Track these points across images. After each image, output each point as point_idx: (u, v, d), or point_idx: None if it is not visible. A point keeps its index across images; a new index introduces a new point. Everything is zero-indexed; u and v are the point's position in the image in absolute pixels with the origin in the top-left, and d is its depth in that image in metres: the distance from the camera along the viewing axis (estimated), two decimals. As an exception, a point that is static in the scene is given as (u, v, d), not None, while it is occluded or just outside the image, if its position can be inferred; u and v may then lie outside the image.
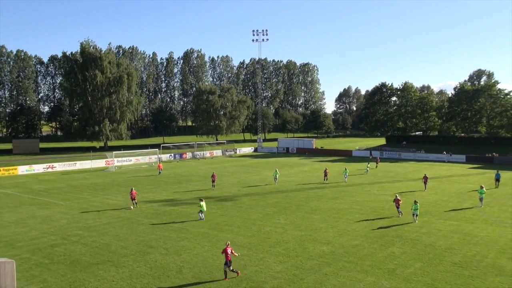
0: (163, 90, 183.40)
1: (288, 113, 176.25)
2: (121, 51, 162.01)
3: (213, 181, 46.05)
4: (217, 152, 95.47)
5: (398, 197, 33.16)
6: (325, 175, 52.03)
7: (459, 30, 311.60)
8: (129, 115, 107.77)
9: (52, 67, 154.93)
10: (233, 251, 20.44)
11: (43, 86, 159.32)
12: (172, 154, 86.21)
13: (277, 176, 50.22)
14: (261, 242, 26.46)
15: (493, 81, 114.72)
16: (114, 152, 73.38)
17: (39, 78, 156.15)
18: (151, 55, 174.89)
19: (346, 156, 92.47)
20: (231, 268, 19.97)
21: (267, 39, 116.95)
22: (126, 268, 21.95)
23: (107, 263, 22.75)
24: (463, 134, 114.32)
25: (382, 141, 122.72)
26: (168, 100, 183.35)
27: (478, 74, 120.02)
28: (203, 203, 31.41)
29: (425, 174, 47.34)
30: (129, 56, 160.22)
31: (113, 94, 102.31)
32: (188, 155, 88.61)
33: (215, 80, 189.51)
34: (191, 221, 32.22)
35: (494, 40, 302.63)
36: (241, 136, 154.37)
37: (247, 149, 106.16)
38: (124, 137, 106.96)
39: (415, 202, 30.90)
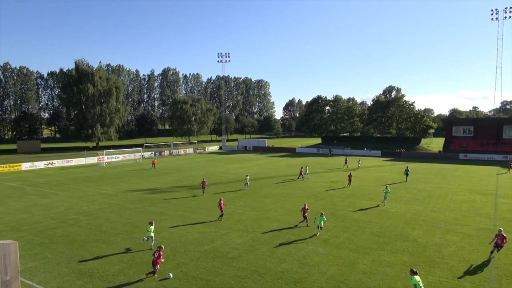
0: (145, 100, 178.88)
1: (246, 119, 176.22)
2: (110, 68, 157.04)
3: (203, 187, 36.29)
4: (190, 150, 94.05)
5: (306, 206, 25.61)
6: (300, 173, 47.03)
7: (376, 54, 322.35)
8: (117, 120, 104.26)
9: (51, 81, 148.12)
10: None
11: (43, 97, 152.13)
12: (153, 152, 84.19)
13: (247, 181, 40.24)
14: (225, 220, 26.33)
15: (400, 94, 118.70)
16: (104, 150, 70.90)
17: (40, 89, 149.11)
18: (135, 72, 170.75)
19: (291, 152, 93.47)
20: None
21: (229, 60, 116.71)
22: (115, 244, 21.28)
23: (99, 241, 21.97)
24: (379, 135, 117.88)
25: (319, 140, 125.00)
26: (150, 108, 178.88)
27: (390, 89, 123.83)
28: (152, 227, 20.50)
29: (350, 173, 43.09)
30: (117, 72, 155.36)
31: (104, 103, 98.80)
32: (166, 152, 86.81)
33: (187, 92, 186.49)
34: (169, 205, 31.66)
35: (401, 63, 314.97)
36: (209, 137, 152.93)
37: (214, 148, 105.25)
38: (113, 138, 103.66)
39: (321, 214, 23.14)
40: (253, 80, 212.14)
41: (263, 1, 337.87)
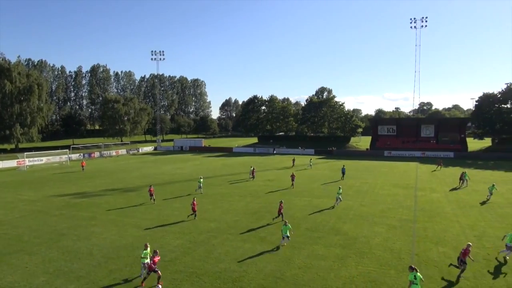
0: (72, 98, 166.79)
1: (182, 119, 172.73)
2: (30, 64, 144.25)
3: (151, 195, 32.29)
4: (122, 151, 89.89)
5: (282, 204, 26.15)
6: (251, 173, 46.33)
7: (309, 56, 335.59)
8: (40, 120, 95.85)
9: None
10: None
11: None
12: (82, 154, 79.05)
13: (201, 184, 37.41)
14: (161, 223, 25.62)
15: (331, 95, 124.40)
16: (25, 153, 65.16)
17: None
18: (60, 68, 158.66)
19: (228, 152, 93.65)
20: None
21: (164, 58, 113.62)
22: (39, 255, 19.64)
23: (20, 252, 20.11)
24: (312, 134, 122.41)
25: (255, 140, 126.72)
26: (77, 107, 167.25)
27: (322, 90, 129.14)
28: (147, 251, 16.93)
29: (292, 173, 42.28)
30: (39, 68, 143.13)
31: (24, 102, 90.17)
32: (96, 154, 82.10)
33: (119, 91, 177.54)
34: (100, 210, 29.97)
35: (332, 66, 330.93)
36: (143, 138, 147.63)
37: (148, 148, 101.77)
38: (35, 139, 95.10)
39: (285, 223, 21.30)
40: (189, 79, 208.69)
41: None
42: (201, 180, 38.10)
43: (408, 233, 23.13)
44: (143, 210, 29.58)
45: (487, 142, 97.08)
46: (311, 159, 64.06)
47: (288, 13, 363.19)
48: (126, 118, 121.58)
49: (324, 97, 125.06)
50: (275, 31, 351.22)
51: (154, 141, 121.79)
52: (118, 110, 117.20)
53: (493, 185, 34.57)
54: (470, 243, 17.52)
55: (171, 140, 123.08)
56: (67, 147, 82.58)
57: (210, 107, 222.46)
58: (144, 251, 16.94)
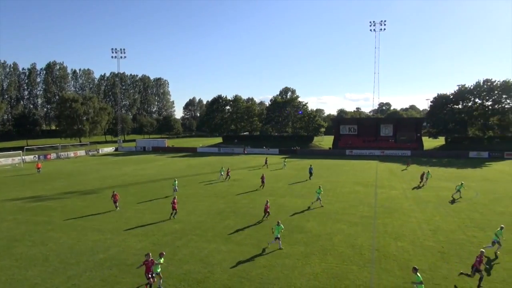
0: (26, 97, 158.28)
1: (144, 118, 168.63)
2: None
3: (115, 202, 29.79)
4: (81, 153, 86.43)
5: (268, 204, 26.82)
6: (227, 173, 45.58)
7: (273, 56, 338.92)
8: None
9: None
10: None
11: None
12: (37, 155, 75.19)
13: (176, 187, 36.60)
14: (123, 226, 24.91)
15: (295, 95, 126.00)
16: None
17: None
18: (12, 65, 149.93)
19: (192, 152, 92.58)
20: None
21: (125, 57, 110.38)
22: (-10, 263, 18.49)
23: (-32, 261, 18.84)
24: (276, 134, 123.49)
25: (220, 139, 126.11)
26: (31, 106, 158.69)
27: (285, 90, 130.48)
28: (161, 260, 16.23)
29: (263, 174, 41.52)
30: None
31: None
32: (53, 155, 78.38)
33: (77, 89, 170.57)
34: (57, 214, 28.66)
35: (295, 66, 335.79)
36: (104, 138, 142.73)
37: (109, 149, 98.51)
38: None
39: (278, 222, 20.97)
40: (151, 78, 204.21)
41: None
42: (176, 182, 37.38)
43: (369, 229, 23.93)
44: (104, 213, 28.62)
45: (441, 141, 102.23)
46: (285, 159, 64.18)
47: (252, 13, 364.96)
48: (85, 118, 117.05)
49: (288, 97, 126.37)
50: (239, 31, 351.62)
51: (115, 142, 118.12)
52: (76, 109, 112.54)
53: (462, 183, 35.16)
54: (484, 250, 16.55)
55: (133, 140, 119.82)
56: (21, 148, 78.36)
57: (174, 107, 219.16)
58: (159, 260, 15.97)
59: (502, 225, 20.62)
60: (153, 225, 25.21)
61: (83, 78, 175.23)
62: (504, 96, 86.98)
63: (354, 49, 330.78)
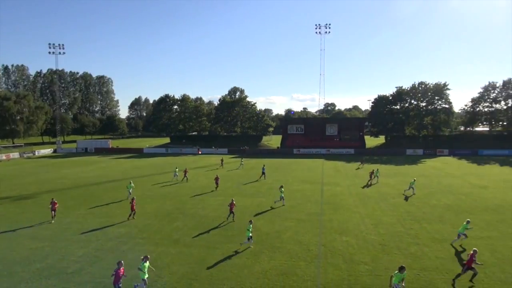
0: None
1: (86, 118, 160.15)
2: None
3: (53, 210, 26.50)
4: (14, 155, 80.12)
5: (234, 202, 26.54)
6: (185, 174, 44.47)
7: (222, 55, 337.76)
8: None
9: None
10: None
11: None
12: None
13: (131, 190, 34.49)
14: (63, 232, 23.50)
15: (244, 95, 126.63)
16: None
17: None
18: None
19: (138, 153, 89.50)
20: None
21: (64, 53, 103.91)
22: None
23: None
24: (225, 133, 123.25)
25: (167, 140, 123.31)
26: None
27: (234, 90, 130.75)
28: (146, 264, 15.40)
29: (216, 175, 40.56)
30: None
31: None
32: (-19, 158, 72.00)
33: (9, 87, 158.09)
34: (-13, 222, 26.34)
35: (243, 66, 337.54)
36: (40, 139, 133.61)
37: (47, 151, 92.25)
38: None
39: (250, 221, 22.45)
40: (93, 76, 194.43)
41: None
42: (131, 184, 35.13)
43: (316, 226, 24.70)
44: (41, 219, 26.76)
45: (381, 139, 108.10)
46: (242, 159, 62.87)
47: (200, 12, 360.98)
48: (18, 118, 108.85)
49: (237, 97, 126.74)
50: (188, 30, 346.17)
51: (54, 143, 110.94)
52: (8, 108, 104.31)
53: (414, 180, 36.68)
54: (476, 249, 16.52)
55: (74, 141, 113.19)
56: None
57: (118, 106, 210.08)
58: (143, 264, 15.12)
59: (468, 219, 21.94)
60: (97, 230, 24.04)
61: (16, 74, 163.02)
62: (436, 97, 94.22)
63: (301, 50, 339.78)
